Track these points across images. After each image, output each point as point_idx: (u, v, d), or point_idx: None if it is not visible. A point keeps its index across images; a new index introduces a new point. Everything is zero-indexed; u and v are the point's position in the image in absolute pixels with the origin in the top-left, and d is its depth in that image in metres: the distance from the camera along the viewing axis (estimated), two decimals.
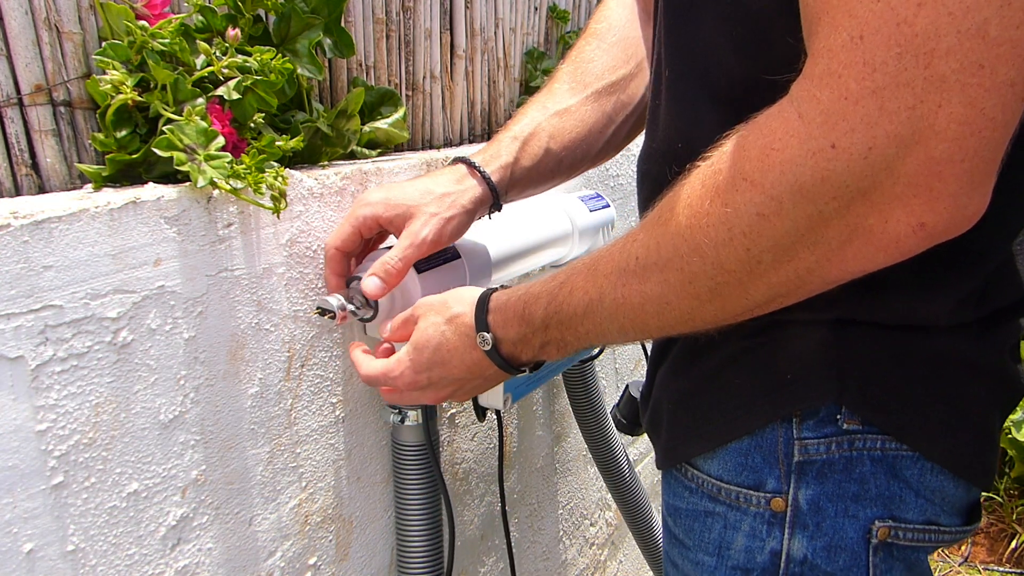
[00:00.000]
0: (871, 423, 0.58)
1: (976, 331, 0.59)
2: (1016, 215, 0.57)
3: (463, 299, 0.70)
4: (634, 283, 0.56)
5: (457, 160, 0.81)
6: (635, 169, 0.78)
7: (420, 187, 0.77)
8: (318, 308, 0.76)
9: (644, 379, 0.81)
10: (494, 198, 0.80)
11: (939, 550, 2.26)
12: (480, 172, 0.79)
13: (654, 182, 0.67)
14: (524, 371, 0.70)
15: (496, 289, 0.70)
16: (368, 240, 0.80)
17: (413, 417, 0.90)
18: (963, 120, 0.41)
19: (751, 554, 0.62)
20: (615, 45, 0.86)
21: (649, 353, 0.77)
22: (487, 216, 0.83)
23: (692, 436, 0.65)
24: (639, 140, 0.81)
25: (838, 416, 0.58)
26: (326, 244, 0.79)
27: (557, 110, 0.83)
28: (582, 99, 0.84)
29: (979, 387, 0.60)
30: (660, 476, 0.73)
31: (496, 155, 0.81)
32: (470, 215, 0.79)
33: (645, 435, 0.85)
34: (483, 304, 0.68)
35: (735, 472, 0.62)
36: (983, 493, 2.40)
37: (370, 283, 0.75)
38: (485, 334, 0.67)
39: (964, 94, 0.40)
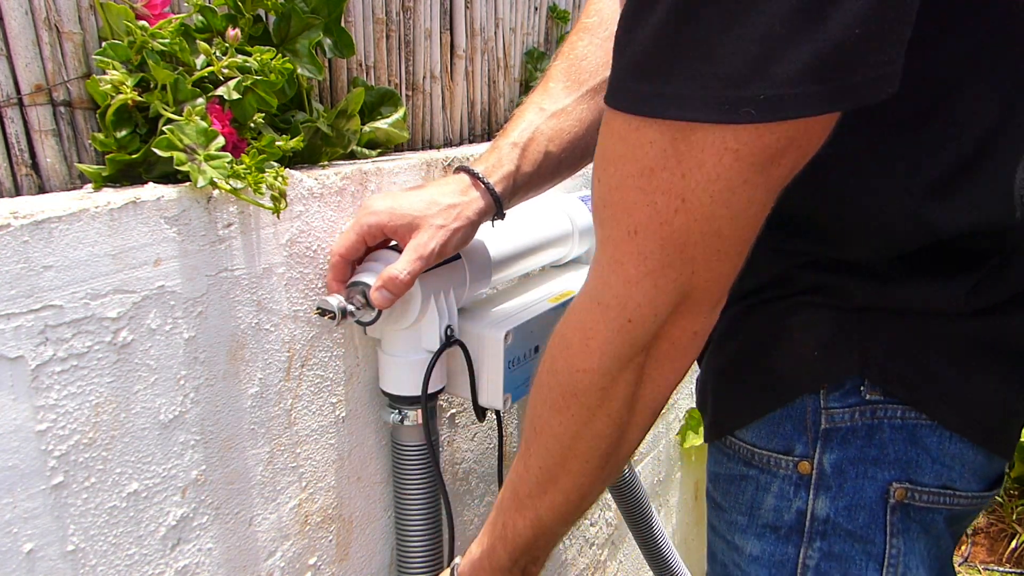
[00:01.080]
0: (891, 393, 0.63)
1: (997, 316, 0.62)
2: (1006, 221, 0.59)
3: None
4: (530, 505, 0.68)
5: (460, 169, 0.81)
6: None
7: (425, 197, 0.78)
8: (318, 308, 0.76)
9: None
10: (497, 208, 0.81)
11: None
12: (484, 183, 0.80)
13: None
14: None
15: (456, 565, 0.77)
16: (371, 247, 0.81)
17: (413, 417, 0.90)
18: (709, 279, 0.54)
19: (779, 513, 0.67)
20: (608, 40, 0.86)
21: None
22: (490, 223, 0.83)
23: (733, 410, 0.71)
24: None
25: (861, 387, 0.63)
26: (331, 251, 0.80)
27: (554, 111, 0.84)
28: (578, 97, 0.85)
29: (1000, 365, 0.64)
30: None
31: (498, 164, 0.81)
32: (475, 226, 0.80)
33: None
34: None
35: (767, 438, 0.67)
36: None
37: (379, 296, 0.76)
38: None
39: (708, 267, 0.53)
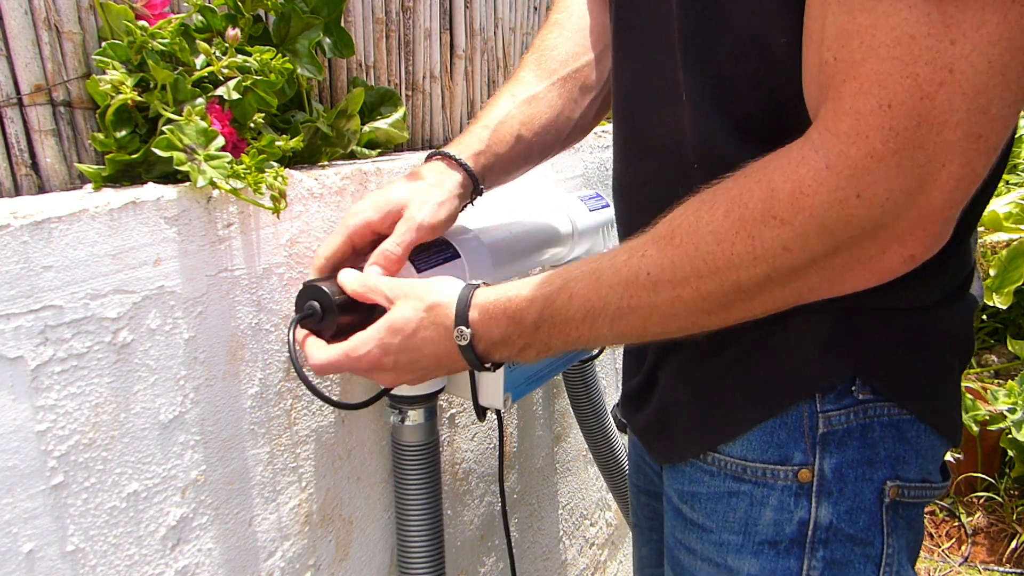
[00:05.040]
0: (880, 392, 0.64)
1: (950, 304, 0.66)
2: (977, 212, 0.67)
3: (445, 290, 0.69)
4: (644, 295, 0.60)
5: (432, 155, 0.82)
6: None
7: (405, 185, 0.78)
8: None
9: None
10: (474, 184, 0.81)
11: (939, 550, 2.26)
12: (457, 161, 0.80)
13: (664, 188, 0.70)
14: (489, 368, 0.70)
15: (478, 285, 0.69)
16: (360, 252, 0.78)
17: (413, 417, 0.90)
18: (959, 177, 0.49)
19: (779, 527, 0.65)
20: (576, 32, 0.88)
21: (647, 355, 0.77)
22: (471, 203, 0.83)
23: (719, 423, 0.68)
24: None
25: (853, 388, 0.64)
26: (316, 254, 0.77)
27: (526, 97, 0.85)
28: (549, 85, 0.86)
29: (953, 353, 0.68)
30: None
31: (469, 144, 0.82)
32: (459, 199, 0.80)
33: None
34: (465, 299, 0.68)
35: (760, 450, 0.66)
36: (984, 493, 2.40)
37: (371, 272, 0.73)
38: (464, 329, 0.66)
39: (964, 157, 0.48)
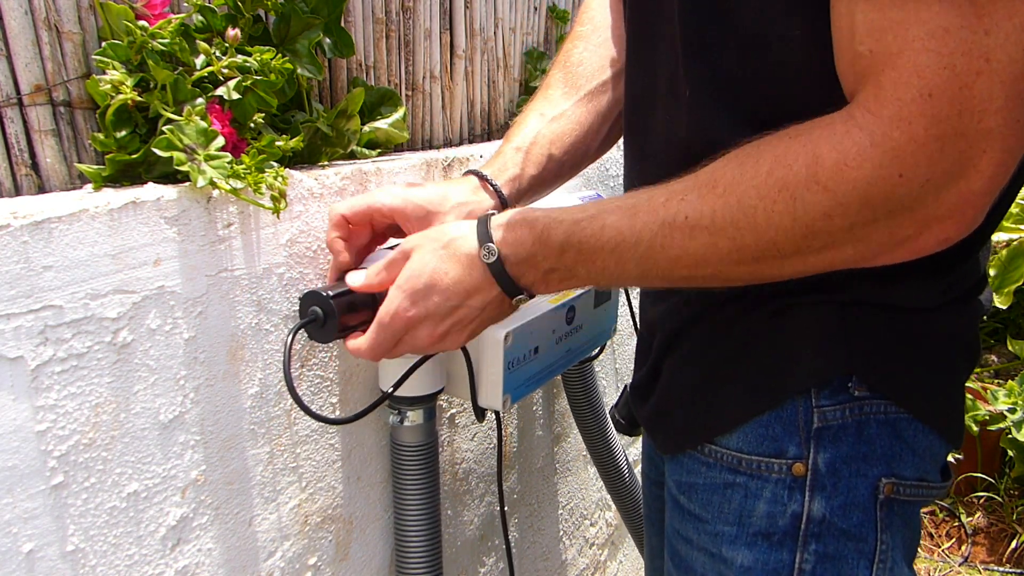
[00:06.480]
0: (876, 389, 0.64)
1: (956, 308, 0.67)
2: (994, 222, 0.67)
3: (459, 225, 0.69)
4: (678, 238, 0.60)
5: (469, 172, 0.82)
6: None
7: (438, 191, 0.78)
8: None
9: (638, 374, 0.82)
10: (503, 210, 0.81)
11: (939, 550, 2.26)
12: (492, 185, 0.81)
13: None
14: (523, 297, 0.68)
15: (493, 213, 0.69)
16: (375, 231, 0.79)
17: (413, 417, 0.90)
18: (999, 162, 0.50)
19: (773, 519, 0.66)
20: (601, 45, 0.88)
21: (653, 347, 0.77)
22: None
23: (716, 414, 0.69)
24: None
25: (849, 384, 0.64)
26: (331, 208, 0.76)
27: (554, 115, 0.85)
28: (576, 101, 0.86)
29: (958, 356, 0.68)
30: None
31: (503, 168, 0.82)
32: None
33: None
34: (484, 221, 0.67)
35: (756, 443, 0.67)
36: (984, 493, 2.40)
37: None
38: (490, 245, 0.65)
39: (1004, 143, 0.50)
